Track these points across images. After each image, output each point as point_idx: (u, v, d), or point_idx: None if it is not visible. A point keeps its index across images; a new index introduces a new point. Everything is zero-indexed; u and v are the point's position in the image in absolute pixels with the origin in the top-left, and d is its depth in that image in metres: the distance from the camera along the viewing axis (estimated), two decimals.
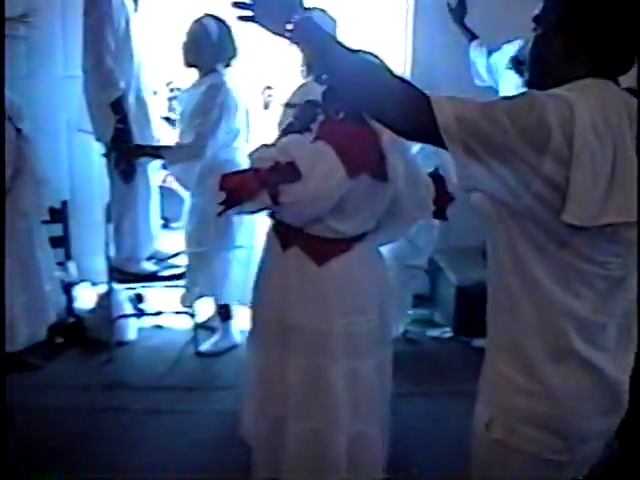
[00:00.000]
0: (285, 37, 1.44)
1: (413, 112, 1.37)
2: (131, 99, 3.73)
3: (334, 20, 3.13)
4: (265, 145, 2.33)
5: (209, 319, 4.13)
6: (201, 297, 3.90)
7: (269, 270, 2.42)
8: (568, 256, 1.40)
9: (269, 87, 3.55)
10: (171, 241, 4.19)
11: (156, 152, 3.65)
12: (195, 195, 3.69)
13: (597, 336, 1.47)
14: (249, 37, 3.56)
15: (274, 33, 1.47)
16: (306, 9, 1.44)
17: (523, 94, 1.39)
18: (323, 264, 2.27)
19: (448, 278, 4.25)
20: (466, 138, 1.33)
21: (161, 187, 4.26)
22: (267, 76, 4.61)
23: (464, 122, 1.33)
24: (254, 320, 2.49)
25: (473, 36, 4.03)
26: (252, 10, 1.47)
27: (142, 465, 2.84)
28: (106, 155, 3.77)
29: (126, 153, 3.68)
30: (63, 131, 4.34)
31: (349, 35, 3.76)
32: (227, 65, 3.65)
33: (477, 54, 4.00)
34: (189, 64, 3.63)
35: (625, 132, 1.38)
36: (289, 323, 2.29)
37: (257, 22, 1.48)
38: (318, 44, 1.45)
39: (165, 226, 4.25)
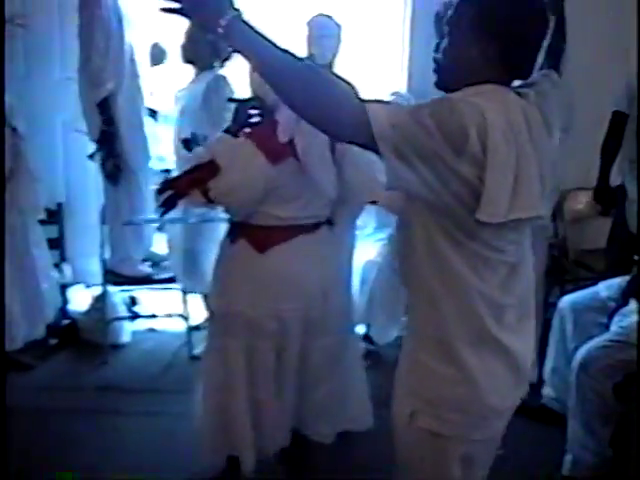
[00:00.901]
0: (216, 35, 1.42)
1: (349, 118, 1.41)
2: (121, 100, 3.73)
3: (339, 26, 3.15)
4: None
5: (204, 321, 4.11)
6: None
7: (220, 263, 2.53)
8: (477, 246, 1.52)
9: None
10: (165, 243, 4.18)
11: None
12: None
13: (504, 317, 1.60)
14: None
15: (203, 29, 1.46)
16: (235, 9, 1.42)
17: (442, 99, 1.47)
18: (264, 252, 2.37)
19: None
20: (398, 143, 1.40)
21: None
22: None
23: (398, 128, 1.40)
24: (211, 312, 2.62)
25: None
26: (180, 2, 1.45)
27: (135, 467, 2.83)
28: (90, 156, 3.78)
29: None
30: (59, 132, 4.34)
31: (346, 44, 3.81)
32: (222, 66, 3.69)
33: None
34: (187, 60, 3.66)
35: (524, 134, 1.49)
36: (232, 310, 2.40)
37: (185, 15, 1.46)
38: (247, 45, 1.43)
39: (160, 229, 4.25)
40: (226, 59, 3.67)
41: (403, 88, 4.34)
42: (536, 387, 3.42)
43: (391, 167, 1.43)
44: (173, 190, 2.38)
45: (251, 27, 1.42)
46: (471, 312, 1.56)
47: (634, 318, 2.92)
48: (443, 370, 1.58)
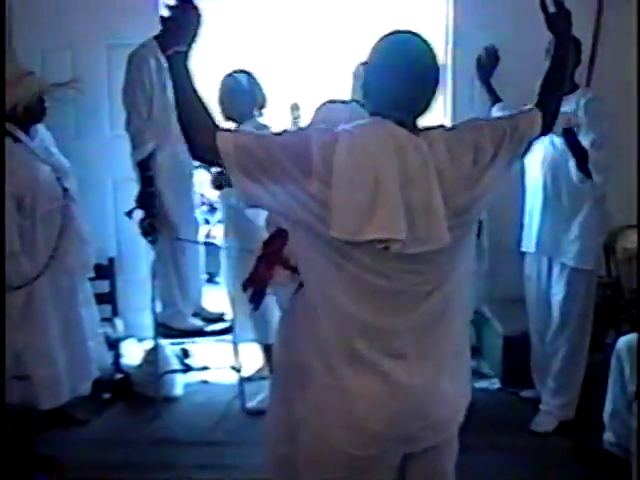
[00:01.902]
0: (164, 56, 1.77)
1: (203, 139, 1.66)
2: (162, 158, 3.82)
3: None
4: None
5: (257, 371, 4.12)
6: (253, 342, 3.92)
7: (285, 312, 2.49)
8: (353, 267, 1.61)
9: (296, 106, 3.60)
10: (215, 295, 4.22)
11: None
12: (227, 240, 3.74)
13: (386, 343, 1.67)
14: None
15: (160, 47, 1.91)
16: (187, 47, 1.75)
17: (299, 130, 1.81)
18: None
19: (495, 328, 4.20)
20: (243, 161, 1.59)
21: (205, 242, 4.33)
22: (295, 94, 4.68)
23: (240, 148, 1.60)
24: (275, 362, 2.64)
25: (496, 99, 4.07)
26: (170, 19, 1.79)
27: None
28: (128, 214, 3.86)
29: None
30: (109, 188, 4.45)
31: None
32: (260, 114, 3.80)
33: (500, 115, 4.02)
34: (227, 117, 3.74)
35: (387, 160, 1.58)
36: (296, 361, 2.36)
37: (165, 28, 1.79)
38: (174, 76, 1.74)
39: (209, 281, 4.30)
40: (262, 107, 3.77)
41: (447, 123, 4.36)
42: (596, 432, 3.34)
43: (238, 182, 1.62)
44: (255, 286, 2.30)
45: (186, 67, 1.73)
46: (344, 331, 1.67)
47: None
48: (327, 380, 1.70)
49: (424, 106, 1.70)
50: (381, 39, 1.71)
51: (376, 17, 4.95)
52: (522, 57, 3.92)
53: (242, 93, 3.73)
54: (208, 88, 3.82)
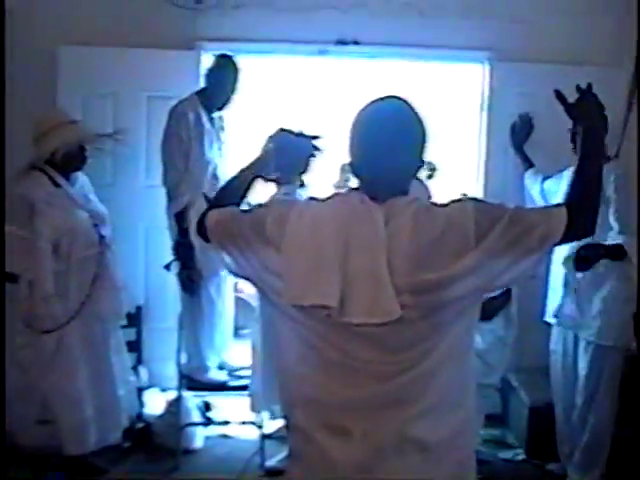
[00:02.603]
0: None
1: (200, 218, 1.82)
2: (193, 213, 3.86)
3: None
4: None
5: (279, 429, 4.08)
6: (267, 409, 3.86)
7: None
8: (310, 336, 1.60)
9: (346, 167, 3.64)
10: (242, 350, 4.21)
11: None
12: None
13: (330, 418, 1.60)
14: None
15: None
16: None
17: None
18: None
19: (521, 398, 4.14)
20: (219, 235, 1.75)
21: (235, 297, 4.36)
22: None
23: (220, 223, 1.76)
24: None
25: (530, 164, 4.12)
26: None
27: None
28: (167, 267, 3.89)
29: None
30: (141, 238, 4.50)
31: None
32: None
33: (532, 181, 4.09)
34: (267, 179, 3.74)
35: (332, 228, 1.58)
36: None
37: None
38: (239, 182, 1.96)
39: (236, 335, 4.31)
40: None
41: (479, 190, 4.41)
42: None
43: (217, 254, 1.77)
44: None
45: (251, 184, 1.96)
46: (291, 398, 1.69)
47: None
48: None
49: (399, 171, 1.66)
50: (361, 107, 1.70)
51: (413, 83, 5.03)
52: (556, 125, 3.93)
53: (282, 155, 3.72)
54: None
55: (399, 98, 1.68)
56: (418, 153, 1.67)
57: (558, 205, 1.63)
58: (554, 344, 3.80)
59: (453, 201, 1.63)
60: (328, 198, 1.68)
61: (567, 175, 3.81)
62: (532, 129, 4.26)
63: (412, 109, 1.67)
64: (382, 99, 1.68)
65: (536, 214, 1.61)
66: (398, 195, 1.63)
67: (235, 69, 3.97)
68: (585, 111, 1.78)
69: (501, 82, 4.43)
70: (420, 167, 1.70)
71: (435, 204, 1.65)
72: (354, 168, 1.69)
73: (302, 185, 3.73)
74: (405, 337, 1.55)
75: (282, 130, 2.11)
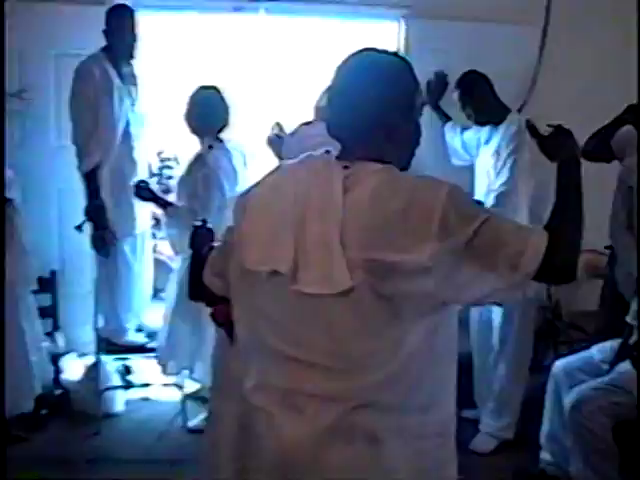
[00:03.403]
0: None
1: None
2: (107, 171, 3.81)
3: None
4: None
5: (200, 389, 4.09)
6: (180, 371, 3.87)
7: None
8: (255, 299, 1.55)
9: (279, 124, 3.57)
10: (160, 312, 4.17)
11: (163, 205, 3.71)
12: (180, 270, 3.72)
13: (283, 397, 1.50)
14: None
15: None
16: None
17: None
18: None
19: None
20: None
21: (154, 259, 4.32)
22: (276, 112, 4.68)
23: (217, 276, 1.80)
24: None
25: (447, 119, 4.17)
26: None
27: None
28: (78, 227, 3.81)
29: (140, 195, 3.73)
30: (54, 200, 4.37)
31: None
32: (219, 131, 3.77)
33: (452, 134, 4.15)
34: (193, 130, 3.73)
35: (289, 194, 1.51)
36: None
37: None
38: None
39: (155, 296, 4.27)
40: (226, 124, 3.76)
41: None
42: (535, 452, 3.41)
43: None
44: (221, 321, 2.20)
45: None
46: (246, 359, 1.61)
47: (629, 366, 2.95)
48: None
49: (363, 131, 1.53)
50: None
51: (328, 41, 5.01)
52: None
53: (206, 110, 3.69)
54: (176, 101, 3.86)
55: (378, 52, 1.58)
56: (388, 113, 1.53)
57: (538, 229, 1.45)
58: None
59: (431, 178, 1.48)
60: (297, 162, 1.58)
61: (487, 130, 3.89)
62: (447, 86, 4.31)
63: (383, 65, 1.55)
64: (354, 54, 1.57)
65: (513, 230, 1.43)
66: (369, 160, 1.50)
67: (130, 16, 3.86)
68: (560, 145, 1.67)
69: (416, 40, 4.45)
70: (395, 130, 1.54)
71: (408, 176, 1.52)
72: (327, 128, 1.59)
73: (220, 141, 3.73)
74: (358, 323, 1.43)
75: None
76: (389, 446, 1.46)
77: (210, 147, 3.67)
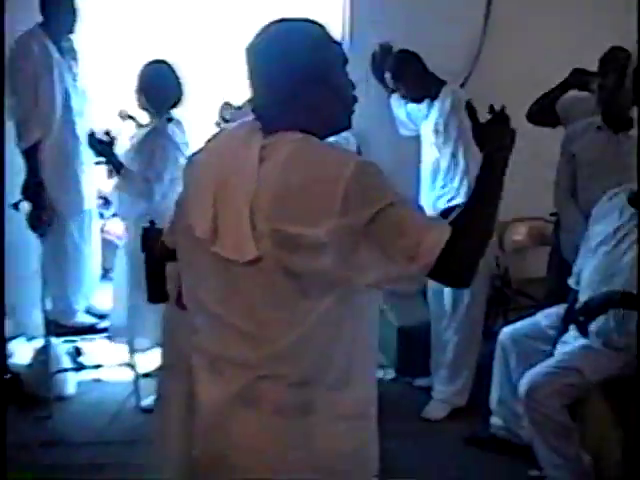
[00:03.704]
0: None
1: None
2: (48, 148, 3.74)
3: None
4: None
5: (154, 369, 4.05)
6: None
7: None
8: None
9: (228, 104, 3.52)
10: (110, 292, 4.13)
11: (118, 165, 3.63)
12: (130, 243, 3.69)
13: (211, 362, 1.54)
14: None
15: None
16: None
17: None
18: None
19: (389, 320, 4.29)
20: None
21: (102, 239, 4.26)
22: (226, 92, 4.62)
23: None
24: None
25: (393, 90, 4.17)
26: None
27: None
28: (15, 206, 3.74)
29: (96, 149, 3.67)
30: None
31: None
32: (173, 106, 3.73)
33: (397, 104, 4.14)
34: (141, 106, 3.69)
35: (212, 162, 1.55)
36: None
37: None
38: None
39: (104, 277, 4.21)
40: (179, 101, 3.72)
41: None
42: (485, 418, 3.48)
43: None
44: None
45: None
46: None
47: (576, 344, 3.00)
48: None
49: (281, 103, 1.50)
50: None
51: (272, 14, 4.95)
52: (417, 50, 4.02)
53: (161, 85, 3.66)
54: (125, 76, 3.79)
55: (289, 21, 1.55)
56: (304, 82, 1.49)
57: (443, 225, 1.43)
58: None
59: (343, 153, 1.49)
60: (231, 128, 1.61)
61: (425, 105, 3.90)
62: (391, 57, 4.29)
63: (293, 34, 1.52)
64: (265, 27, 1.55)
65: (417, 221, 1.41)
66: (286, 129, 1.48)
67: None
68: (494, 136, 1.59)
69: (361, 12, 4.44)
70: (314, 97, 1.50)
71: (321, 148, 1.49)
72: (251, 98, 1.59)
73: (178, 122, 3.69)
74: (264, 292, 1.44)
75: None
76: (296, 422, 1.47)
77: (170, 120, 3.66)
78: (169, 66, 3.67)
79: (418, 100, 3.89)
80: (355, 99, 1.60)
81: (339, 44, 1.60)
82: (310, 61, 1.51)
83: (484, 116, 1.66)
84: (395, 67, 3.92)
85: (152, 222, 2.19)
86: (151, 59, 3.68)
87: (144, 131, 3.70)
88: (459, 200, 3.71)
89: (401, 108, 4.12)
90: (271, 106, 1.52)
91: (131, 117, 3.93)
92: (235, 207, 1.44)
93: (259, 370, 1.46)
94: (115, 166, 3.62)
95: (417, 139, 4.04)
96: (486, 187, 1.52)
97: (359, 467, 1.56)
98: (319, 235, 1.36)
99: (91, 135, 3.65)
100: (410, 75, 3.86)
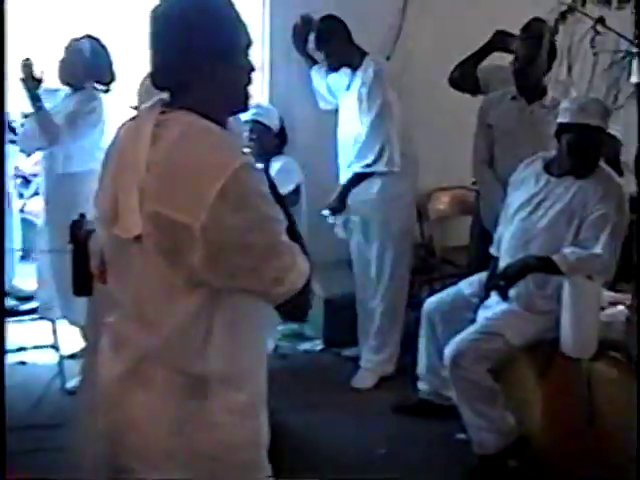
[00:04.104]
0: None
1: None
2: None
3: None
4: None
5: (82, 350, 3.98)
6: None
7: None
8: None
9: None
10: (31, 273, 4.03)
11: (37, 99, 3.58)
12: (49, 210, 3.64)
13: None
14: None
15: None
16: None
17: None
18: None
19: (317, 292, 4.30)
20: None
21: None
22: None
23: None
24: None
25: (314, 62, 4.15)
26: None
27: None
28: None
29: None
30: None
31: None
32: (106, 90, 3.75)
33: (318, 77, 4.12)
34: (64, 81, 3.68)
35: (115, 147, 1.53)
36: None
37: None
38: None
39: (24, 258, 4.11)
40: (107, 89, 3.69)
41: (264, 101, 4.38)
42: (413, 384, 3.55)
43: None
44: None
45: None
46: None
47: (498, 309, 3.08)
48: None
49: (179, 78, 1.46)
50: None
51: None
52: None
53: (80, 60, 3.64)
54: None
55: None
56: (201, 56, 1.43)
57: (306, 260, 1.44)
58: (351, 233, 3.99)
59: (229, 146, 1.44)
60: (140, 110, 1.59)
61: (347, 75, 3.90)
62: (312, 29, 4.26)
63: (190, 7, 1.44)
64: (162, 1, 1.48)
65: (290, 247, 1.40)
66: (189, 108, 1.43)
67: None
68: None
69: None
70: (213, 72, 1.45)
71: (209, 134, 1.43)
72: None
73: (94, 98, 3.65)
74: (144, 273, 1.43)
75: None
76: (185, 408, 1.45)
77: (107, 91, 3.72)
78: (96, 41, 3.63)
79: (338, 68, 3.89)
80: (250, 81, 1.55)
81: (245, 25, 1.53)
82: (218, 38, 1.45)
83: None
84: (321, 32, 3.90)
85: (82, 215, 2.15)
86: (78, 36, 3.65)
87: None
88: (376, 168, 3.74)
89: (322, 81, 4.10)
90: (171, 81, 1.47)
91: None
92: (126, 187, 1.42)
93: (147, 352, 1.45)
94: (34, 99, 3.57)
95: (337, 113, 4.03)
96: None
97: (247, 463, 1.54)
98: (193, 225, 1.33)
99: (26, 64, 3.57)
100: (335, 40, 3.85)
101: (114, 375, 1.49)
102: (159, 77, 1.49)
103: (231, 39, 1.49)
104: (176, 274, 1.40)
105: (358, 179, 3.81)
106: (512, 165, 3.34)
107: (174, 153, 1.39)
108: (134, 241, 1.40)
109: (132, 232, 1.40)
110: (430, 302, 3.37)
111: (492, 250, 3.30)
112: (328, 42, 3.87)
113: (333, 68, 3.91)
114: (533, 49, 3.39)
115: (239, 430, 1.50)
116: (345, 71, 3.88)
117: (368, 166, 3.77)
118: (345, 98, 3.91)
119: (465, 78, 3.87)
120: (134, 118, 1.55)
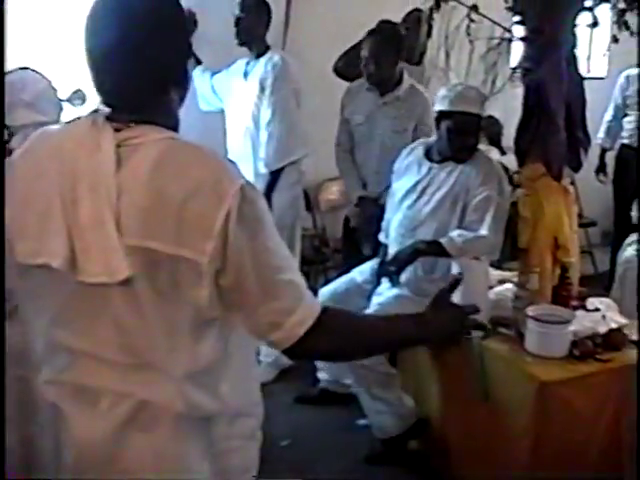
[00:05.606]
0: None
1: None
2: None
3: None
4: None
5: None
6: None
7: None
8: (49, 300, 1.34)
9: (80, 90, 3.32)
10: None
11: None
12: None
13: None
14: None
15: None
16: None
17: None
18: None
19: None
20: None
21: None
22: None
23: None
24: None
25: (198, 63, 4.06)
26: None
27: None
28: None
29: None
30: None
31: None
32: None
33: (201, 79, 4.00)
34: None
35: (52, 169, 1.27)
36: None
37: None
38: None
39: None
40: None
41: None
42: (312, 374, 3.57)
43: None
44: None
45: None
46: None
47: (389, 295, 3.14)
48: None
49: (126, 81, 1.27)
50: None
51: None
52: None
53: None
54: None
55: None
56: (156, 60, 1.26)
57: (315, 301, 1.32)
58: None
59: (223, 167, 1.25)
60: (64, 126, 1.33)
61: (243, 64, 3.84)
62: (196, 25, 4.16)
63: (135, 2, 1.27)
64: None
65: (295, 286, 1.28)
66: (144, 122, 1.26)
67: None
68: (442, 325, 1.54)
69: None
70: (168, 77, 1.30)
71: (195, 154, 1.25)
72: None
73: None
74: (139, 317, 1.25)
75: None
76: (193, 444, 1.34)
77: None
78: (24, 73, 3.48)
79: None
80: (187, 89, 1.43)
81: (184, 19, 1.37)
82: (183, 38, 1.32)
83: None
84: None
85: None
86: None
87: None
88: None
89: (205, 82, 3.99)
90: (133, 90, 1.27)
91: None
92: (97, 222, 1.20)
93: (151, 399, 1.29)
94: None
95: (220, 114, 3.95)
96: (402, 338, 1.53)
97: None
98: (200, 259, 1.20)
99: None
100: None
101: (105, 427, 1.31)
102: (115, 83, 1.28)
103: (181, 36, 1.34)
104: (178, 314, 1.25)
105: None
106: (368, 156, 3.50)
107: (159, 179, 1.21)
108: (118, 285, 1.21)
109: (117, 276, 1.20)
110: (324, 292, 3.38)
111: (381, 237, 3.35)
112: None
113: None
114: (376, 48, 3.50)
115: (250, 452, 1.47)
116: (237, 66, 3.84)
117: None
118: (241, 90, 3.81)
119: (349, 67, 3.90)
120: (38, 137, 1.34)
